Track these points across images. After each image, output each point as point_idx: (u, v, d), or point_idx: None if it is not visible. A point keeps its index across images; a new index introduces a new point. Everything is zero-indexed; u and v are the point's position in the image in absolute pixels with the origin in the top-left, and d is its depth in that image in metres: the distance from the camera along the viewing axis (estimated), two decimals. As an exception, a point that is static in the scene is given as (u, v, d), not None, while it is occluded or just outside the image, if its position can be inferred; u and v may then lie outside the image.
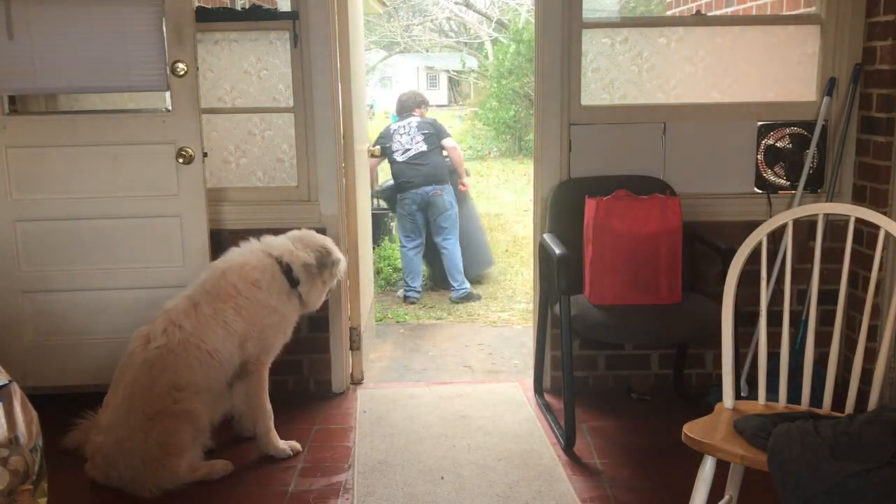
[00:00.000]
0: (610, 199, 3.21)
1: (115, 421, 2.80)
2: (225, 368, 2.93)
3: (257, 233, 3.16)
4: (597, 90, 3.53)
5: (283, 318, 3.05)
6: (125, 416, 2.78)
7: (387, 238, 7.82)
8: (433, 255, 6.18)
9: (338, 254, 3.17)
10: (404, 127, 6.05)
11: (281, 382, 3.53)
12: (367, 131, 4.87)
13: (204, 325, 2.88)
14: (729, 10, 4.47)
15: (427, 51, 25.54)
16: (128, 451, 2.75)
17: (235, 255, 3.06)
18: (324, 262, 3.08)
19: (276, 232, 3.17)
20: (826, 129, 3.49)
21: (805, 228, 3.50)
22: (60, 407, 3.05)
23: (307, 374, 3.69)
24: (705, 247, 3.38)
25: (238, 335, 2.93)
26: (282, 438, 3.10)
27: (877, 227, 2.12)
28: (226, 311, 2.91)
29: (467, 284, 5.96)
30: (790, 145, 3.53)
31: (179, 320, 2.87)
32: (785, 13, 3.82)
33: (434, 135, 6.02)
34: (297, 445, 3.12)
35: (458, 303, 5.84)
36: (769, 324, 2.27)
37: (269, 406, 3.07)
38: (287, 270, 3.02)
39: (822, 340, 2.58)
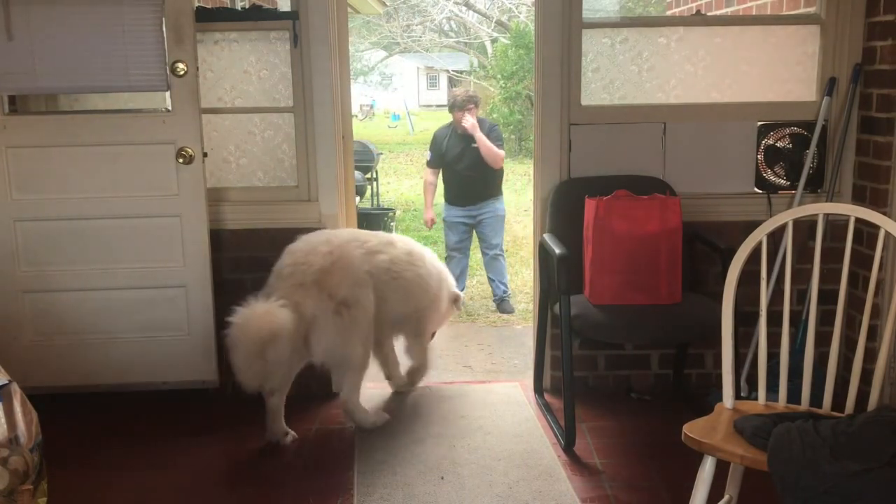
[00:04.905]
0: (610, 199, 3.21)
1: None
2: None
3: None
4: (597, 90, 3.53)
5: None
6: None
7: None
8: None
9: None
10: None
11: (281, 382, 3.52)
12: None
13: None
14: (729, 10, 4.47)
15: (427, 51, 25.54)
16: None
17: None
18: None
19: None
20: (826, 129, 3.49)
21: (805, 228, 3.50)
22: (60, 407, 3.05)
23: (307, 374, 3.68)
24: (705, 247, 3.38)
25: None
26: (282, 438, 3.14)
27: (877, 227, 2.12)
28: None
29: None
30: (790, 145, 3.53)
31: None
32: (785, 13, 3.82)
33: None
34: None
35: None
36: (769, 324, 2.27)
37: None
38: None
39: (822, 340, 2.58)
